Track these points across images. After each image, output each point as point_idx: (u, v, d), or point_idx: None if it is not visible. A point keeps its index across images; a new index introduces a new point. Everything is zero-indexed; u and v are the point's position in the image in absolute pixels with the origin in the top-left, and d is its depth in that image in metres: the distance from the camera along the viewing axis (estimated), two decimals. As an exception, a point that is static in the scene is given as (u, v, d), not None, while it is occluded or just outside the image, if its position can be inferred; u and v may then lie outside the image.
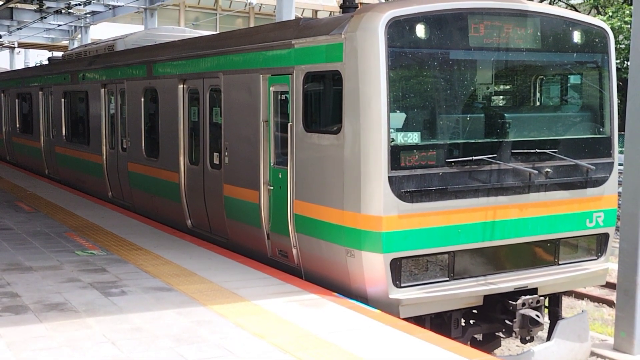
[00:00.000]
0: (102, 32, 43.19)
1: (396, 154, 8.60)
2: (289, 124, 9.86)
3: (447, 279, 9.06)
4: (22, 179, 21.35)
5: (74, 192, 18.51)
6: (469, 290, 9.04)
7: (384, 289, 8.71)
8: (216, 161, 11.92)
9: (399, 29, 8.61)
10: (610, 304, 14.36)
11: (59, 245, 11.74)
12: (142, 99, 14.66)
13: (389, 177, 8.56)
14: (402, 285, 8.78)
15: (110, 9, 33.03)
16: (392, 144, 8.57)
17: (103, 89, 16.76)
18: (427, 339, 7.51)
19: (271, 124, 10.42)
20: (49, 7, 32.04)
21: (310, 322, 7.91)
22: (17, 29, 37.42)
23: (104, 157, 16.78)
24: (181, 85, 12.91)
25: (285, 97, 10.08)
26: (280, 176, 10.23)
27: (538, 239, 9.63)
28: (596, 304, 14.87)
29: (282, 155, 10.26)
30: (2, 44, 41.49)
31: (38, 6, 32.08)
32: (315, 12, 57.78)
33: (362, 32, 8.60)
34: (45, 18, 34.38)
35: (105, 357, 6.76)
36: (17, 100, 24.99)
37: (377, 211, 8.59)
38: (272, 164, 10.46)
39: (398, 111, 8.72)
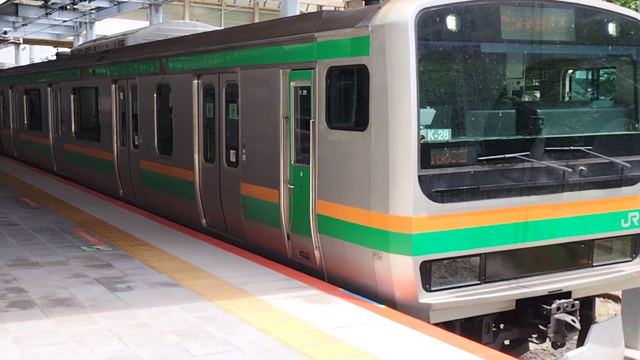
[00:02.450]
0: (107, 28, 42.90)
1: (426, 151, 8.21)
2: (310, 121, 9.49)
3: (479, 282, 8.67)
4: (28, 175, 21.27)
5: (79, 188, 18.42)
6: (501, 294, 8.65)
7: (414, 293, 8.33)
8: (233, 159, 11.56)
9: (429, 21, 8.22)
10: (616, 299, 14.27)
11: (65, 240, 11.70)
12: (155, 95, 14.29)
13: (419, 176, 8.17)
14: (432, 289, 8.40)
15: (115, 4, 32.84)
16: (422, 141, 8.19)
17: (114, 85, 16.41)
18: (433, 334, 7.42)
19: (291, 120, 10.05)
20: (54, 3, 31.93)
21: (316, 317, 7.85)
22: (22, 25, 37.26)
23: (115, 154, 16.45)
24: (196, 81, 12.54)
25: (307, 92, 9.71)
26: (301, 175, 9.85)
27: (572, 240, 9.23)
28: (602, 299, 14.67)
29: (303, 152, 9.89)
30: (8, 40, 41.23)
31: (43, 2, 31.93)
32: (320, 7, 57.39)
33: (390, 24, 8.21)
34: (50, 14, 34.21)
35: (111, 352, 6.72)
36: (25, 96, 24.65)
37: (406, 212, 8.21)
38: (292, 162, 10.07)
39: (428, 107, 8.33)
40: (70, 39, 41.78)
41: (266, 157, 10.54)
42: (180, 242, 11.61)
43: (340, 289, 9.05)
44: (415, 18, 8.10)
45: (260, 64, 10.67)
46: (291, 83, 10.00)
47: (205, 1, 58.42)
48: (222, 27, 30.04)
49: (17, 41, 41.84)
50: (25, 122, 24.75)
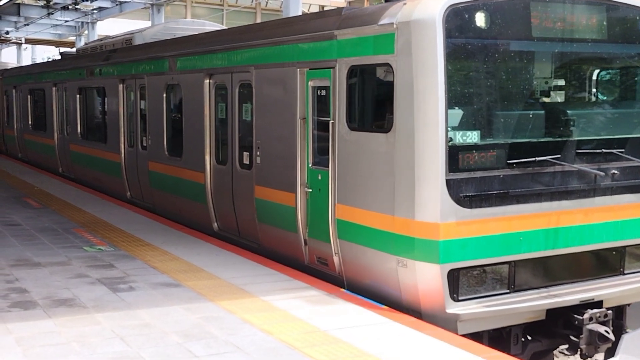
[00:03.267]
0: (109, 28, 42.62)
1: (454, 154, 7.83)
2: (330, 122, 9.10)
3: (508, 291, 8.29)
4: (30, 175, 21.21)
5: (81, 188, 18.29)
6: (532, 304, 8.26)
7: (440, 303, 7.95)
8: (246, 161, 11.16)
9: (458, 17, 7.84)
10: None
11: (67, 241, 11.67)
12: (164, 95, 13.87)
13: (446, 180, 7.79)
14: (460, 298, 8.01)
15: (117, 4, 32.88)
16: (450, 143, 7.81)
17: (121, 85, 15.97)
18: (435, 335, 7.33)
19: (309, 121, 9.66)
20: (55, 3, 31.91)
21: (318, 318, 7.81)
22: (24, 25, 37.26)
23: (122, 155, 16.03)
24: (207, 80, 12.13)
25: (326, 92, 9.32)
26: (319, 178, 9.46)
27: (603, 247, 8.85)
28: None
29: (322, 155, 9.49)
30: (10, 40, 41.00)
31: (45, 2, 31.71)
32: (322, 7, 57.03)
33: (417, 21, 7.83)
34: (52, 14, 34.22)
35: (114, 352, 6.70)
36: (29, 96, 24.22)
37: (433, 217, 7.82)
38: (310, 165, 9.68)
39: (456, 107, 7.95)
40: (72, 39, 41.76)
41: (282, 159, 10.15)
42: (182, 242, 11.54)
43: (343, 290, 8.95)
44: (444, 15, 7.72)
45: (276, 63, 10.28)
46: (309, 83, 9.62)
47: (207, 1, 58.22)
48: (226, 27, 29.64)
49: (19, 41, 41.67)
50: (30, 122, 24.39)
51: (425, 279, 7.96)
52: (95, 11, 35.31)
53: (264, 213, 10.67)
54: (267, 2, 57.61)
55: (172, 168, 13.59)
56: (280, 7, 39.58)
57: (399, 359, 6.66)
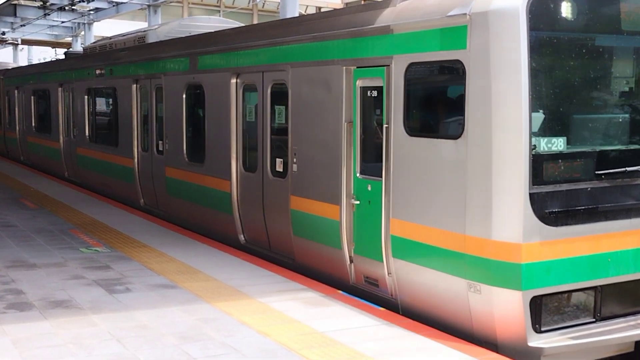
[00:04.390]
0: (105, 29, 41.86)
1: (539, 164, 6.82)
2: (384, 126, 8.08)
3: (593, 320, 7.28)
4: (27, 176, 21.02)
5: (77, 189, 18.04)
6: (621, 335, 7.23)
7: (521, 335, 6.92)
8: (279, 168, 10.17)
9: (543, 7, 6.83)
10: None
11: (63, 242, 11.64)
12: (184, 96, 12.83)
13: (530, 194, 6.76)
14: (543, 329, 6.99)
15: (113, 5, 32.84)
16: (534, 151, 6.78)
17: (135, 85, 14.93)
18: (433, 337, 7.18)
19: (357, 125, 8.64)
20: (52, 4, 31.72)
21: (315, 320, 7.73)
22: (21, 25, 37.17)
23: (136, 160, 15.00)
24: (234, 80, 11.11)
25: (378, 93, 8.30)
26: (369, 189, 8.44)
27: None
28: None
29: (372, 163, 8.48)
30: (6, 41, 40.30)
31: (41, 3, 31.11)
32: (319, 8, 56.20)
33: (496, 11, 6.80)
34: (49, 15, 34.00)
35: (110, 354, 6.66)
36: (32, 97, 23.21)
37: (514, 237, 6.80)
38: (357, 174, 8.66)
39: (540, 111, 6.93)
40: (69, 39, 41.10)
41: (324, 167, 9.12)
42: (179, 243, 11.47)
43: (340, 292, 8.70)
44: (527, 4, 6.70)
45: (317, 61, 9.23)
46: (357, 82, 8.61)
47: (203, 2, 57.58)
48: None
49: (16, 42, 40.99)
50: (33, 124, 23.44)
51: (503, 307, 6.92)
52: (91, 12, 34.83)
53: (301, 226, 9.66)
54: (264, 3, 56.95)
55: (193, 174, 12.56)
56: (277, 8, 38.89)
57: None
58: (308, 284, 9.11)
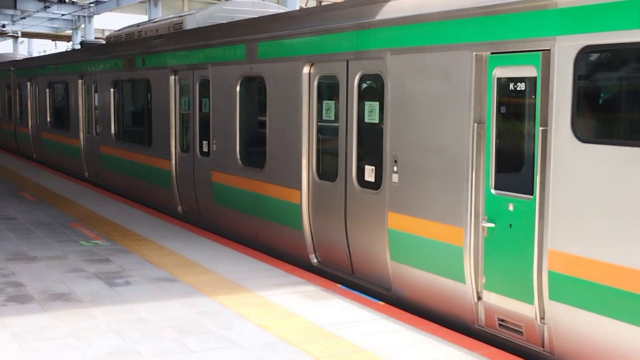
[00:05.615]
0: (106, 21, 42.58)
1: None
2: (539, 130, 6.36)
3: None
4: (26, 169, 20.92)
5: (78, 182, 17.91)
6: None
7: None
8: (369, 177, 8.61)
9: None
10: None
11: (63, 235, 11.57)
12: (238, 89, 11.18)
13: None
14: None
15: None
16: None
17: (173, 76, 13.29)
18: (431, 331, 7.17)
19: (491, 127, 6.88)
20: None
21: (314, 313, 7.70)
22: (21, 18, 37.03)
23: (173, 162, 13.38)
24: (307, 70, 9.55)
25: (526, 85, 6.61)
26: (511, 209, 6.70)
27: None
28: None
29: (515, 175, 6.89)
30: (6, 34, 40.91)
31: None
32: (320, 2, 56.89)
33: None
34: (49, 7, 34.11)
35: (110, 347, 6.64)
36: (48, 90, 21.51)
37: None
38: (491, 189, 6.93)
39: None
40: (69, 32, 41.52)
41: (439, 179, 7.45)
42: (178, 237, 11.44)
43: (339, 285, 8.55)
44: None
45: (430, 46, 7.48)
46: (493, 72, 6.83)
47: (204, -5, 57.97)
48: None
49: (16, 34, 41.57)
50: (48, 119, 21.60)
51: None
52: (92, 5, 35.23)
53: (403, 250, 7.99)
54: (268, -4, 57.25)
55: (249, 181, 10.95)
56: (277, 2, 39.40)
57: (395, 354, 6.54)
58: (307, 277, 8.99)
